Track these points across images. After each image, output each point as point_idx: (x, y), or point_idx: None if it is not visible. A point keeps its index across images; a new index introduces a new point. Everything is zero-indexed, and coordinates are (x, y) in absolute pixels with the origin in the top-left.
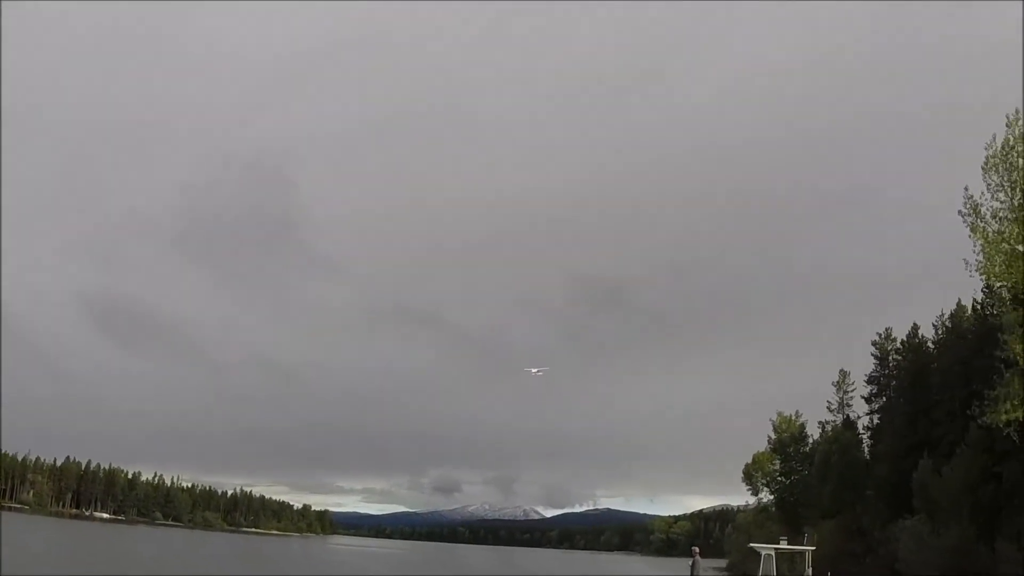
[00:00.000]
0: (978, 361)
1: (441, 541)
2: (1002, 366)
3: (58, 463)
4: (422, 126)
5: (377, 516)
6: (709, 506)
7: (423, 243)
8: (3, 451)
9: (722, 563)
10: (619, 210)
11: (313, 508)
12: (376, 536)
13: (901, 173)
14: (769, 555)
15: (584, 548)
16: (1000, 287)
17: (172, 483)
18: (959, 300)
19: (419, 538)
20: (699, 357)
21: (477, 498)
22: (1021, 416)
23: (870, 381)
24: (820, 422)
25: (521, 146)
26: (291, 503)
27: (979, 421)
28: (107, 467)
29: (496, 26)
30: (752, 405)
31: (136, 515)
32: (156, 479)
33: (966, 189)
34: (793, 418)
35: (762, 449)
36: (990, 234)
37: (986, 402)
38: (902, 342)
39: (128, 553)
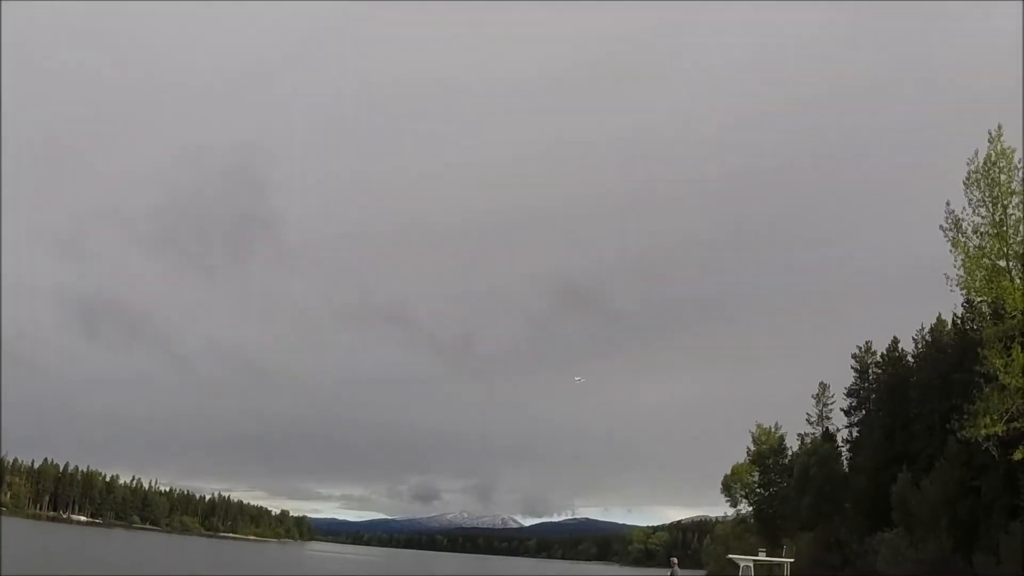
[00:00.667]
0: (957, 375)
1: (419, 549)
2: (981, 380)
3: (35, 465)
4: (393, 124)
5: (355, 523)
6: (687, 517)
7: (391, 241)
8: None
9: (700, 574)
10: (590, 211)
11: (291, 514)
12: (354, 543)
13: (886, 182)
14: (748, 566)
15: (562, 557)
16: (980, 302)
17: (150, 487)
18: (939, 314)
19: (397, 545)
20: (677, 367)
21: (456, 506)
22: (1000, 431)
23: (850, 394)
24: (799, 434)
25: (494, 147)
26: (269, 509)
27: (958, 435)
28: (85, 470)
29: (470, 25)
30: (731, 417)
31: (114, 518)
32: (134, 482)
33: (947, 204)
34: (772, 430)
35: (741, 460)
36: (971, 249)
37: (965, 416)
38: (882, 355)
39: (105, 556)
